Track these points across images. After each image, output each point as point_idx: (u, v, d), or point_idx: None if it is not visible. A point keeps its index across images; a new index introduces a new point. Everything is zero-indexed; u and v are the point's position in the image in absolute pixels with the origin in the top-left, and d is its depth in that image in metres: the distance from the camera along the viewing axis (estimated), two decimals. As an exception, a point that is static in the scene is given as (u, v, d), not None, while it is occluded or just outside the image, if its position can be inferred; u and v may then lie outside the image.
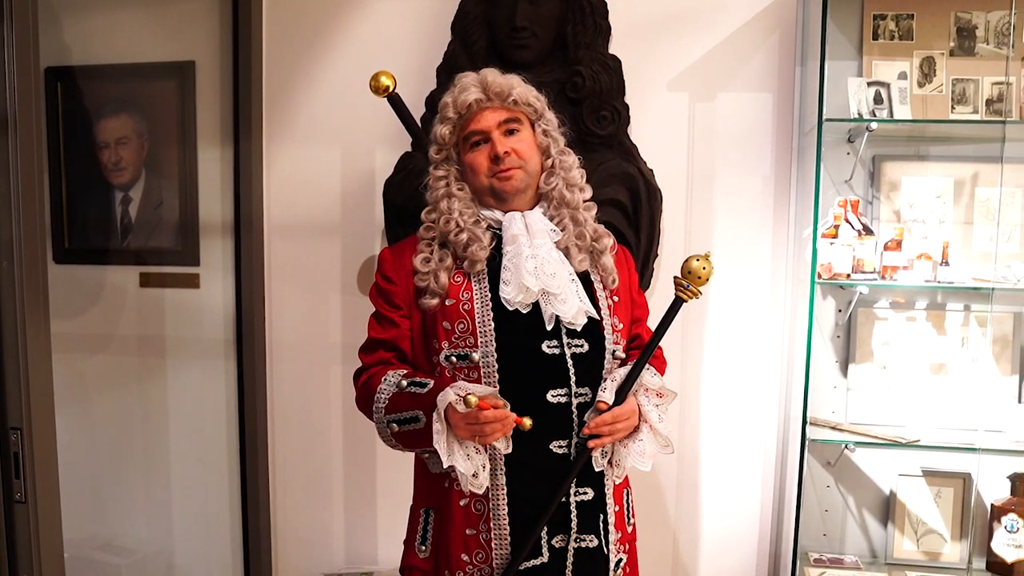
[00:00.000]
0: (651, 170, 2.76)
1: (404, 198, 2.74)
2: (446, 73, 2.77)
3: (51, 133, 2.97)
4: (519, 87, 1.91)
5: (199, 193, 3.00)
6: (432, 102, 2.76)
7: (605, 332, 1.92)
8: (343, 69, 2.93)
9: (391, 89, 2.29)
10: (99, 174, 3.05)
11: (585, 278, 1.95)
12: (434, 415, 1.76)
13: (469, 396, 1.68)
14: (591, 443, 1.85)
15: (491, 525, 1.87)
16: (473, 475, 1.79)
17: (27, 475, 2.03)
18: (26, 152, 2.01)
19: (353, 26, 2.92)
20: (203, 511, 3.12)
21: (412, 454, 2.02)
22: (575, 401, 1.87)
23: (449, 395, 1.75)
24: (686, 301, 1.89)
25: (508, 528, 1.86)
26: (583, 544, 1.90)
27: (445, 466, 1.78)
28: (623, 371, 1.91)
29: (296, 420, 3.08)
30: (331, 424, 3.06)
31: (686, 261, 1.87)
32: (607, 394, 1.87)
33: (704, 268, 1.85)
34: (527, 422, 1.76)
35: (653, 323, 2.12)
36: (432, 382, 1.84)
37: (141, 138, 3.02)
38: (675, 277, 1.89)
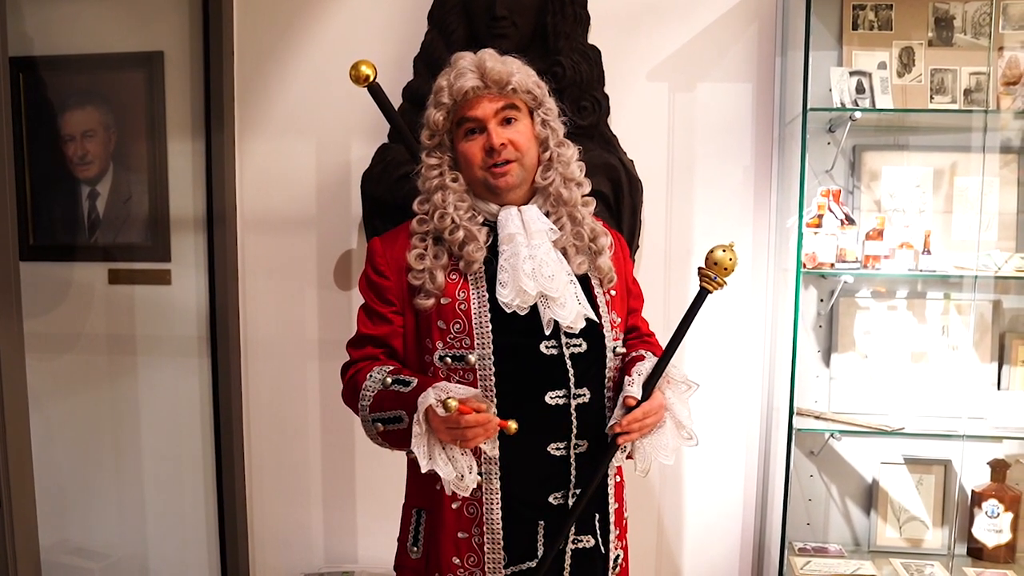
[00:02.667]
0: (632, 161, 2.75)
1: (382, 190, 2.71)
2: (424, 63, 2.75)
3: (13, 126, 2.87)
4: (518, 73, 1.83)
5: (169, 187, 2.95)
6: (410, 93, 2.73)
7: (604, 332, 1.88)
8: (317, 59, 2.88)
9: (372, 79, 2.24)
10: (65, 168, 2.98)
11: (583, 277, 1.89)
12: (415, 417, 1.70)
13: (448, 400, 1.61)
14: (621, 439, 1.80)
15: (483, 529, 1.82)
16: (459, 477, 1.73)
17: (1, 478, 1.98)
18: (-5, 145, 1.96)
19: (328, 15, 2.87)
20: (178, 512, 3.06)
21: (399, 452, 1.96)
22: (574, 403, 1.82)
23: (429, 397, 1.68)
24: (711, 292, 1.84)
25: (501, 532, 1.81)
26: (580, 545, 1.87)
27: (423, 470, 1.71)
28: (648, 365, 1.86)
29: (272, 418, 3.03)
30: (308, 422, 3.01)
31: (711, 251, 1.81)
32: (634, 388, 1.81)
33: (731, 259, 1.79)
34: (512, 426, 1.71)
35: (647, 313, 2.13)
36: (416, 380, 1.77)
37: (108, 131, 2.96)
38: (700, 268, 1.83)
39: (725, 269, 1.80)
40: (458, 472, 1.72)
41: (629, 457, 1.91)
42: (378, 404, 1.80)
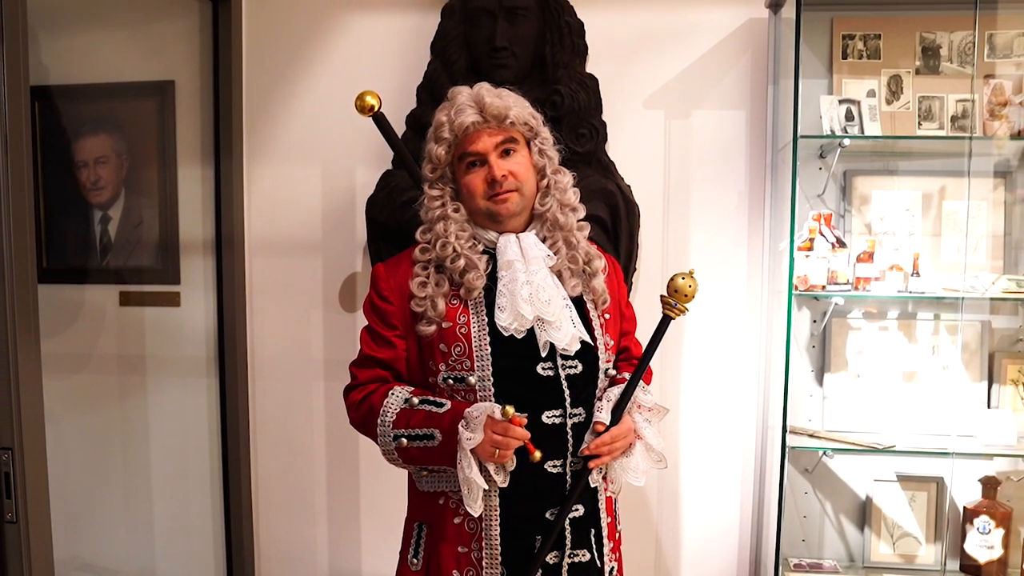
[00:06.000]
0: (629, 186, 2.82)
1: (386, 215, 2.78)
2: (426, 92, 2.82)
3: (30, 152, 2.96)
4: (515, 107, 1.91)
5: (179, 212, 3.00)
6: (413, 121, 2.80)
7: (599, 354, 1.96)
8: (323, 88, 2.97)
9: (376, 108, 2.32)
10: (78, 193, 3.03)
11: (578, 300, 1.97)
12: (460, 425, 1.79)
13: (507, 407, 1.73)
14: (591, 463, 1.89)
15: (483, 544, 1.89)
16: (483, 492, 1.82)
17: (18, 495, 2.03)
18: (16, 172, 2.02)
19: (333, 45, 2.95)
20: (186, 529, 3.10)
21: (399, 470, 2.03)
22: (570, 422, 1.89)
23: (486, 406, 1.79)
24: (674, 319, 1.93)
25: (500, 548, 1.88)
26: (576, 559, 1.93)
27: (467, 475, 1.78)
28: (617, 391, 1.95)
29: (279, 437, 3.09)
30: (314, 440, 3.07)
31: (672, 279, 1.90)
32: (603, 415, 1.90)
33: (690, 286, 1.89)
34: (537, 455, 1.81)
35: (639, 336, 2.19)
36: (449, 403, 1.86)
37: (120, 157, 3.02)
38: (662, 296, 1.92)
39: (685, 296, 1.89)
40: (483, 488, 1.81)
41: (605, 478, 1.99)
42: (403, 421, 1.87)
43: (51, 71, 3.00)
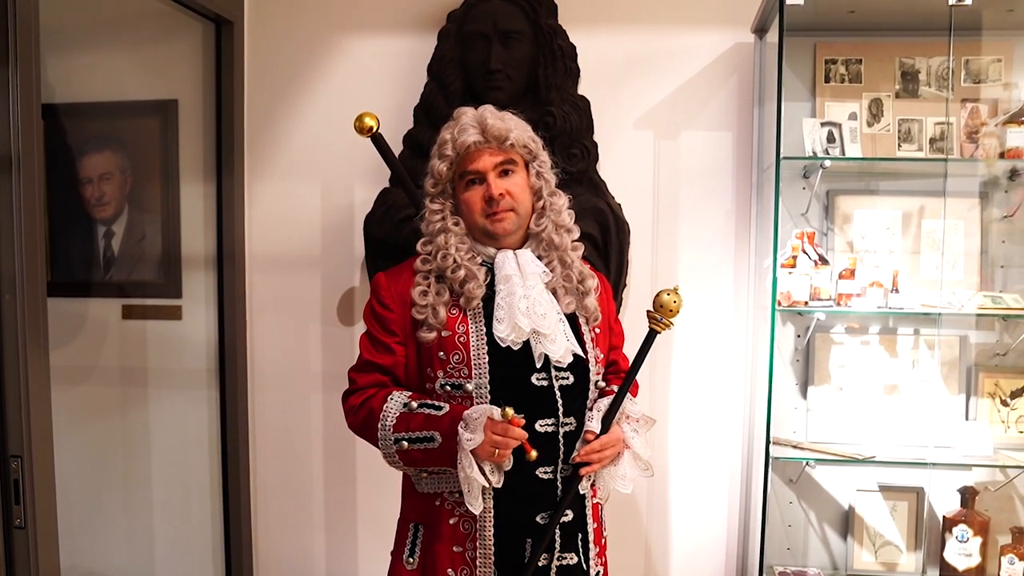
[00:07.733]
0: (619, 205, 2.90)
1: (384, 232, 2.84)
2: (423, 113, 2.89)
3: (33, 170, 3.01)
4: (516, 130, 2.00)
5: (181, 227, 3.04)
6: (410, 140, 2.87)
7: (590, 366, 2.04)
8: (322, 107, 3.04)
9: (375, 129, 2.38)
10: (82, 209, 3.06)
11: (571, 315, 2.06)
12: (460, 426, 1.86)
13: (507, 408, 1.82)
14: (583, 470, 1.97)
15: (477, 544, 1.97)
16: (482, 490, 1.90)
17: (27, 501, 2.08)
18: (28, 189, 2.09)
19: (332, 66, 3.03)
20: (186, 538, 3.14)
21: (396, 474, 2.11)
22: (562, 430, 1.98)
23: (485, 408, 1.87)
24: (659, 333, 2.02)
25: (493, 548, 1.97)
26: (564, 562, 2.02)
27: (468, 474, 1.85)
28: (606, 402, 2.03)
29: (278, 447, 3.15)
30: (312, 451, 3.13)
31: (657, 295, 1.99)
32: (594, 424, 1.99)
33: (675, 301, 1.98)
34: (534, 454, 1.90)
35: (628, 350, 2.27)
36: (447, 406, 1.94)
37: (124, 174, 3.05)
38: (648, 311, 2.01)
39: (670, 311, 1.97)
40: (484, 484, 1.89)
41: (593, 485, 2.07)
42: (403, 425, 1.95)
43: (57, 89, 3.04)
